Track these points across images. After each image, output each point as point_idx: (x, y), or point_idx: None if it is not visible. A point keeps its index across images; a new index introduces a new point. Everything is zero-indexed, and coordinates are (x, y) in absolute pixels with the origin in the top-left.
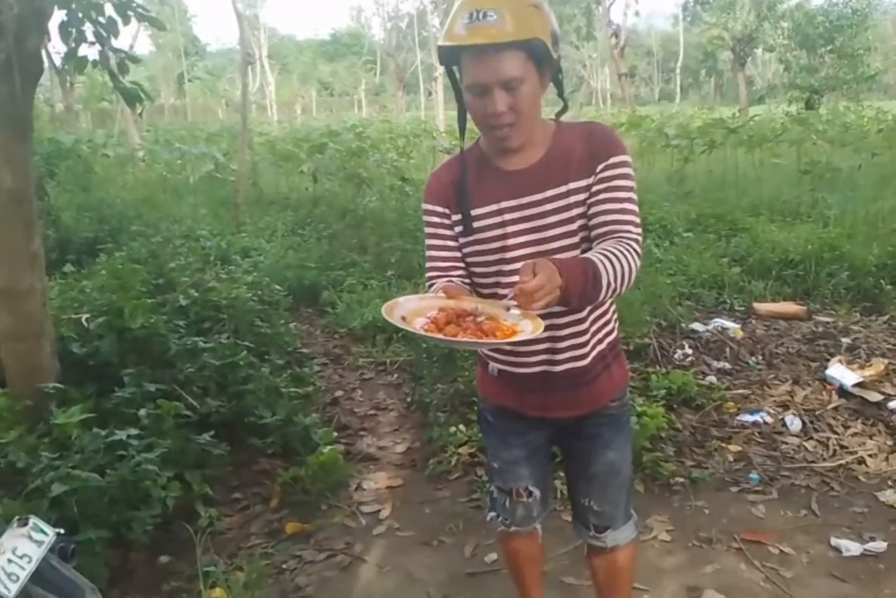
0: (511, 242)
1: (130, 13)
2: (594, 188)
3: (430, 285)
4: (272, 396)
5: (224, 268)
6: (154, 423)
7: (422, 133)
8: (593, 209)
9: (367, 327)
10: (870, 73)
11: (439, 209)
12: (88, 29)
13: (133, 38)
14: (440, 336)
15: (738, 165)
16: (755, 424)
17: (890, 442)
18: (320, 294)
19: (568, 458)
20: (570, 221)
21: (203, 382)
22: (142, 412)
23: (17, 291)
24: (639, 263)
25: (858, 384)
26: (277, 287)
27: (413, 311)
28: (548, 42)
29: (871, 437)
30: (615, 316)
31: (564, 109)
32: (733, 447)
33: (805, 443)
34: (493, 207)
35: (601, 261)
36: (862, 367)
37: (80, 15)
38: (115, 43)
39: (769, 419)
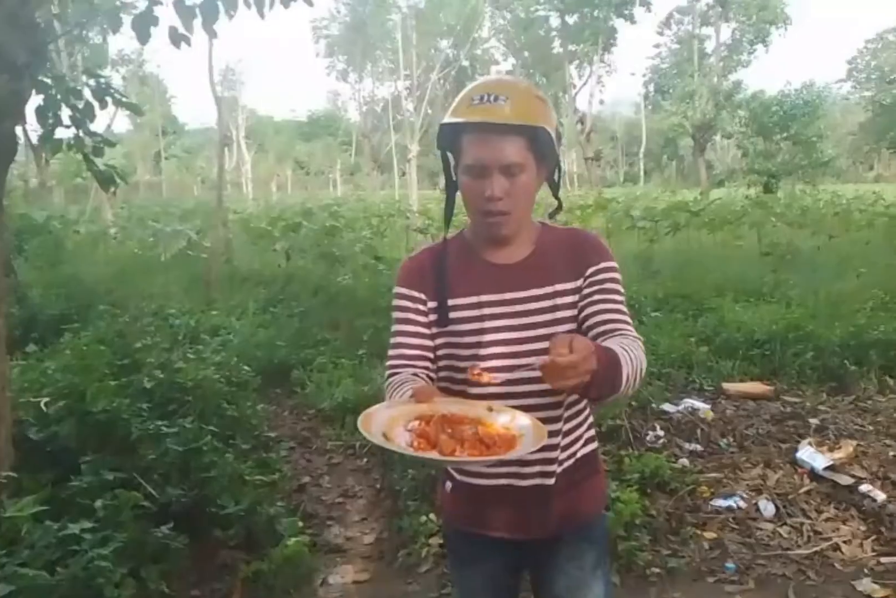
0: (488, 337)
1: (108, 98)
2: (585, 291)
3: (393, 373)
4: (236, 483)
5: (192, 347)
6: (111, 514)
7: (395, 212)
8: (588, 310)
9: (336, 408)
10: (823, 158)
11: (415, 294)
12: (65, 113)
13: (111, 117)
14: (438, 457)
15: (702, 245)
16: (729, 509)
17: (863, 527)
18: (290, 374)
19: (539, 586)
20: (556, 322)
21: (165, 469)
22: (98, 503)
23: None
24: (645, 361)
25: (829, 467)
26: (246, 367)
27: (388, 421)
28: (552, 134)
29: (844, 522)
30: (592, 419)
31: (559, 209)
32: (708, 534)
33: (779, 529)
34: (473, 299)
35: (621, 353)
36: (831, 449)
37: (58, 98)
38: (91, 125)
39: (743, 504)
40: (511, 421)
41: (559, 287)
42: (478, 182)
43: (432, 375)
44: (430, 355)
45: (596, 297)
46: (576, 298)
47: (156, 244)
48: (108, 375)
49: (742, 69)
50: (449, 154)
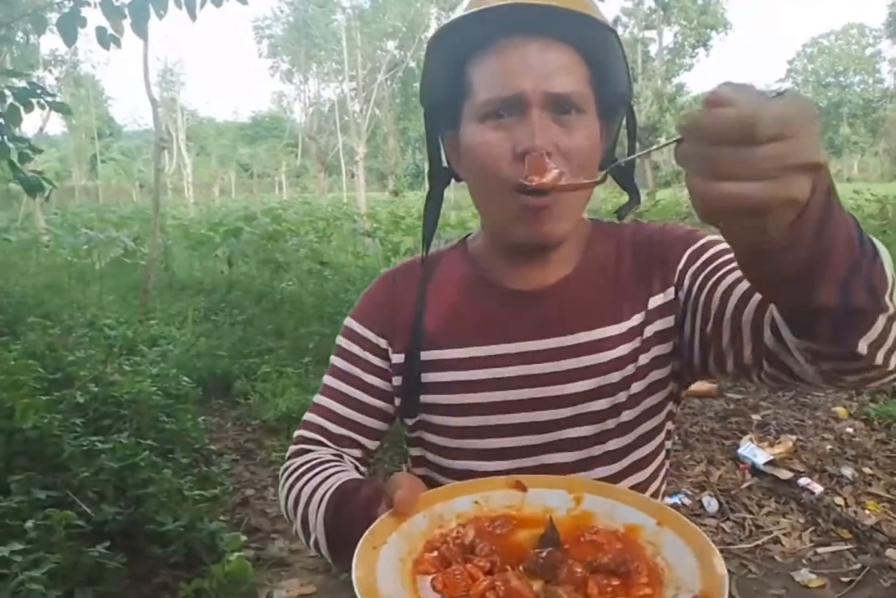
0: (492, 420)
1: (34, 100)
2: (690, 284)
3: (301, 451)
4: (175, 499)
5: (129, 359)
6: (42, 535)
7: (342, 216)
8: (716, 293)
9: (280, 419)
10: None
11: (369, 336)
12: None
13: (44, 119)
14: None
15: None
16: (674, 506)
17: (802, 520)
18: (232, 384)
19: None
20: (622, 385)
21: (100, 486)
22: (29, 524)
23: None
24: None
25: (769, 462)
26: (186, 379)
27: (395, 577)
28: (624, 61)
29: (784, 515)
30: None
31: (634, 203)
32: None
33: (722, 524)
34: (475, 351)
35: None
36: (772, 444)
37: None
38: (18, 129)
39: (688, 501)
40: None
41: (635, 320)
42: (502, 133)
43: (362, 469)
44: (370, 442)
45: (718, 272)
46: (676, 314)
47: (90, 252)
48: (39, 390)
49: (685, 73)
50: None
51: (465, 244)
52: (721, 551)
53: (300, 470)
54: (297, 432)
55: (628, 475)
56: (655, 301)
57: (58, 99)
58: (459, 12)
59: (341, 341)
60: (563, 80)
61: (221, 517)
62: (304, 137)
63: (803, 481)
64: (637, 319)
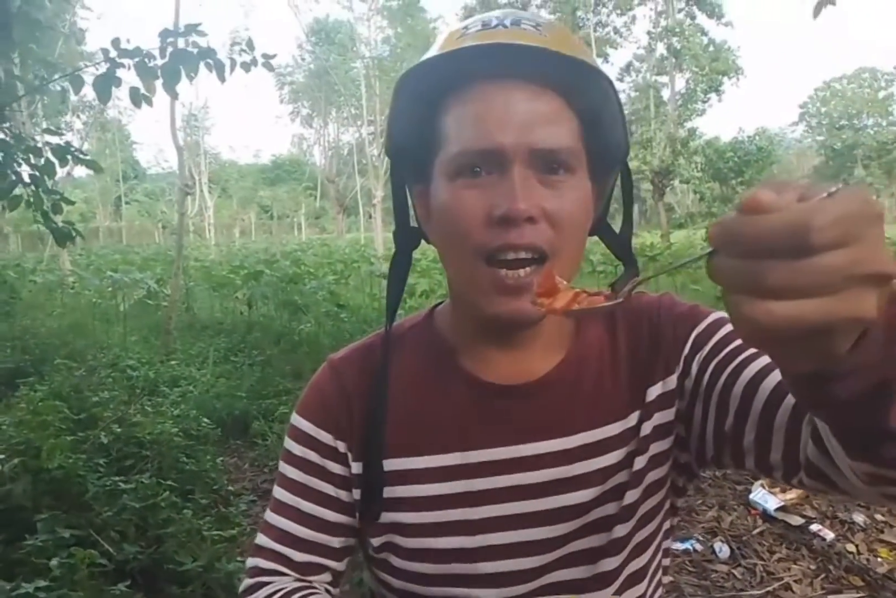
0: (478, 539)
1: (68, 156)
2: (698, 372)
3: (258, 585)
4: (194, 539)
5: (151, 400)
6: (66, 573)
7: (360, 258)
8: (736, 388)
9: None
10: None
11: (324, 439)
12: (24, 171)
13: (72, 163)
14: None
15: (660, 289)
16: (686, 552)
17: (813, 566)
18: (250, 425)
19: None
20: (619, 492)
21: (122, 526)
22: (53, 562)
23: None
24: None
25: (781, 508)
26: (206, 420)
27: None
28: (619, 110)
29: (795, 562)
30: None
31: (630, 275)
32: (665, 578)
33: (734, 570)
34: (451, 458)
35: None
36: (783, 490)
37: (18, 157)
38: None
39: (699, 547)
40: None
41: (624, 424)
42: (477, 193)
43: (335, 591)
44: (339, 564)
45: (733, 362)
46: (683, 400)
47: (114, 294)
48: (64, 430)
49: (697, 117)
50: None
51: (431, 318)
52: (732, 597)
53: None
54: (250, 561)
55: (624, 590)
56: (654, 392)
57: (85, 146)
58: (432, 52)
59: (291, 445)
60: (550, 133)
61: (239, 558)
62: (323, 179)
63: (815, 527)
64: (634, 417)
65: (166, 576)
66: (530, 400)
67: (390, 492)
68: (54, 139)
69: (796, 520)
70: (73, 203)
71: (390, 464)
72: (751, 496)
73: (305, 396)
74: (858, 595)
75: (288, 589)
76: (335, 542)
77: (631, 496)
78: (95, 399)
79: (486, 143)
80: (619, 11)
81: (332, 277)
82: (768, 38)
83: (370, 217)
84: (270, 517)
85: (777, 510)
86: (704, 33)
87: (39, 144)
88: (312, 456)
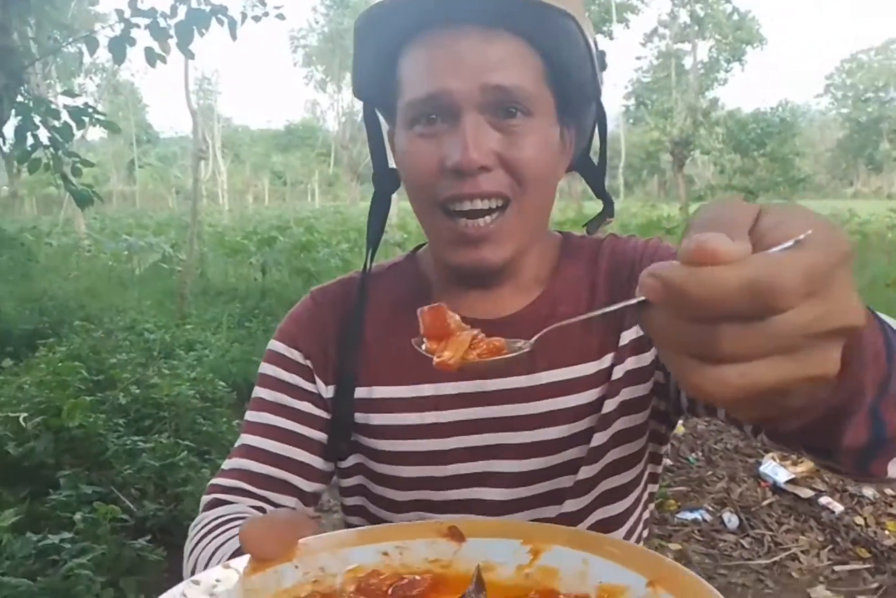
0: (448, 470)
1: (85, 118)
2: None
3: (215, 502)
4: None
5: (167, 363)
6: (89, 527)
7: None
8: None
9: None
10: (800, 175)
11: (297, 358)
12: (43, 133)
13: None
14: None
15: None
16: (695, 522)
17: (821, 538)
18: None
19: None
20: (597, 431)
21: (141, 483)
22: (77, 516)
23: None
24: None
25: (791, 481)
26: (221, 383)
27: None
28: (592, 46)
29: (803, 533)
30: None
31: (605, 214)
32: (674, 545)
33: (742, 540)
34: (420, 389)
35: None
36: (794, 463)
37: (37, 120)
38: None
39: (708, 517)
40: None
41: (594, 366)
42: (432, 142)
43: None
44: (309, 483)
45: None
46: (638, 361)
47: (129, 257)
48: (84, 390)
49: (719, 87)
50: (379, 115)
51: (414, 259)
52: (739, 566)
53: (208, 527)
54: (211, 481)
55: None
56: (627, 336)
57: (99, 109)
58: None
59: (264, 367)
60: (504, 73)
61: None
62: (336, 146)
63: (824, 500)
64: (607, 359)
65: (184, 533)
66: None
67: (363, 419)
68: (71, 101)
69: (806, 493)
70: (92, 165)
71: (362, 392)
72: (761, 469)
73: (283, 323)
74: (864, 566)
75: (234, 514)
76: (304, 457)
77: (598, 439)
78: (113, 361)
79: (434, 88)
80: None
81: (346, 244)
82: (794, 8)
83: None
84: (239, 440)
85: (787, 482)
86: (728, 1)
87: (56, 106)
88: (283, 374)
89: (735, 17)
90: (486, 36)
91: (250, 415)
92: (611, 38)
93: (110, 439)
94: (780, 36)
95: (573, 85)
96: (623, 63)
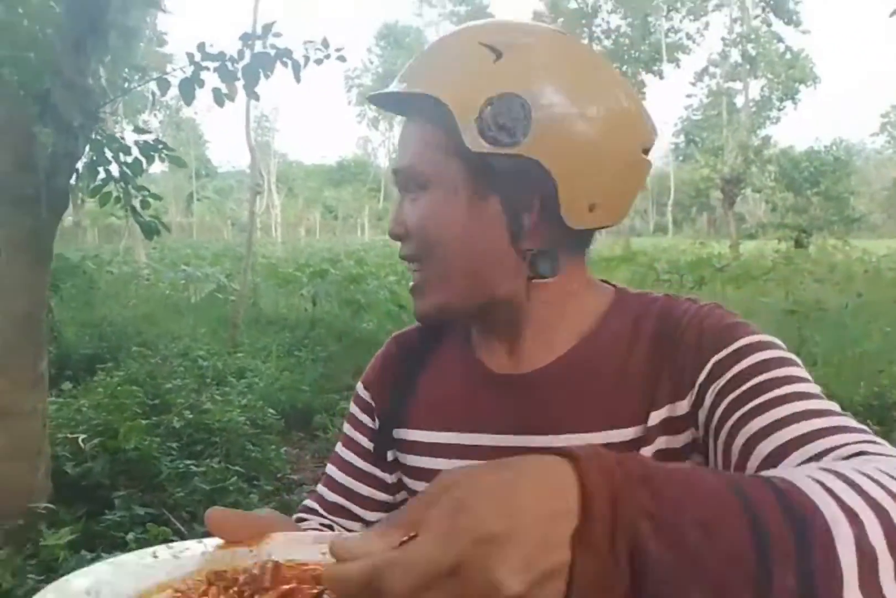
0: None
1: (154, 153)
2: (712, 406)
3: (298, 521)
4: None
5: (219, 389)
6: (141, 547)
7: None
8: (739, 438)
9: None
10: (855, 215)
11: (366, 397)
12: (114, 168)
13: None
14: None
15: (726, 301)
16: None
17: None
18: (313, 418)
19: None
20: None
21: (192, 506)
22: (130, 536)
23: (19, 411)
24: None
25: None
26: (271, 411)
27: None
28: (467, 110)
29: None
30: None
31: (539, 276)
32: None
33: None
34: (449, 437)
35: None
36: None
37: (109, 155)
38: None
39: None
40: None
41: (631, 429)
42: None
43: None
44: (366, 512)
45: (744, 407)
46: (699, 429)
47: (186, 286)
48: (140, 414)
49: (771, 125)
50: None
51: None
52: None
53: None
54: (306, 503)
55: None
56: (659, 416)
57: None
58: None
59: (351, 406)
60: (404, 155)
61: None
62: (386, 181)
63: None
64: (630, 432)
65: None
66: (525, 391)
67: (401, 458)
68: (140, 137)
69: None
70: (160, 199)
71: (400, 433)
72: None
73: (368, 366)
74: None
75: (307, 528)
76: (363, 490)
77: None
78: (168, 386)
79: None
80: (692, 17)
81: (394, 277)
82: (848, 46)
83: None
84: (327, 467)
85: None
86: (781, 40)
87: (126, 142)
88: (356, 411)
89: (788, 55)
90: (419, 123)
91: (337, 445)
92: (661, 78)
93: (164, 462)
94: (833, 74)
95: (473, 155)
96: (673, 101)
